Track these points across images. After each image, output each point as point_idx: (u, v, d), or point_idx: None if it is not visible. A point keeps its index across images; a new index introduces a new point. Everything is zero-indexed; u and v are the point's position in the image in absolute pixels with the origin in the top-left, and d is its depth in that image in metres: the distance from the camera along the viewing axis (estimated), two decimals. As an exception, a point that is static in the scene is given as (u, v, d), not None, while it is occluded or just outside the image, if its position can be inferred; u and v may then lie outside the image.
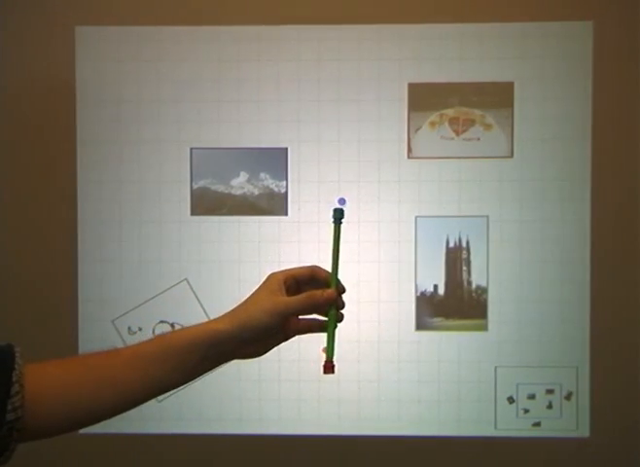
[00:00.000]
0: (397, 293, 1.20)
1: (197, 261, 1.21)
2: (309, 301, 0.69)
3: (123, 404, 0.64)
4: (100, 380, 0.63)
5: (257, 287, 0.70)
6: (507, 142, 1.19)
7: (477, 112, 1.19)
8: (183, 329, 0.67)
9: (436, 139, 1.19)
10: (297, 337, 0.72)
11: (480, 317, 1.20)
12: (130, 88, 1.20)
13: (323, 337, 0.71)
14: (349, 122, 1.19)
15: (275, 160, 1.20)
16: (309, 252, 1.19)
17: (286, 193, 1.20)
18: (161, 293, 1.21)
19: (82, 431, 0.65)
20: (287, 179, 1.20)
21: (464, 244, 1.19)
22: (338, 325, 0.72)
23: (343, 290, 0.72)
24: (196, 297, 1.21)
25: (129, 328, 1.21)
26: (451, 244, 1.19)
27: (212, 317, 0.69)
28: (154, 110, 1.21)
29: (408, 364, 1.20)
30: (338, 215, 0.73)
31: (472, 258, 1.19)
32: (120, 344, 1.17)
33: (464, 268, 1.19)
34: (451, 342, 1.20)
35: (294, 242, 1.20)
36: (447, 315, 1.20)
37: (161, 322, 1.21)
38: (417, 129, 1.19)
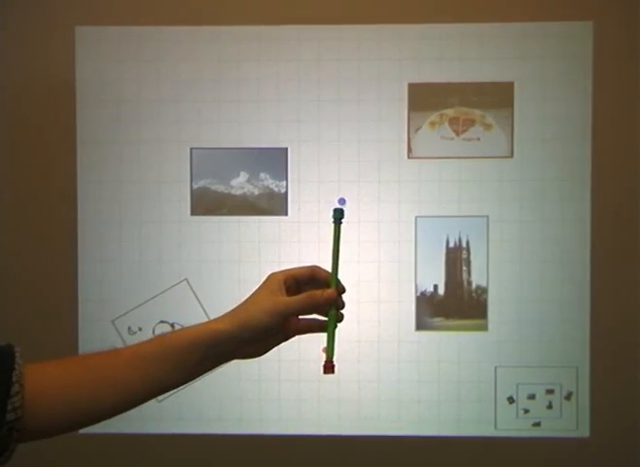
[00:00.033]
0: (397, 293, 1.20)
1: (197, 261, 1.21)
2: (309, 301, 0.69)
3: (123, 404, 0.64)
4: (100, 381, 0.63)
5: (257, 287, 0.70)
6: (507, 142, 1.19)
7: (477, 112, 1.19)
8: (183, 329, 0.67)
9: (436, 139, 1.19)
10: (297, 337, 0.72)
11: (480, 317, 1.20)
12: (130, 88, 1.20)
13: (323, 337, 0.71)
14: (349, 122, 1.19)
15: (275, 160, 1.20)
16: (309, 252, 1.19)
17: (286, 193, 1.20)
18: (161, 293, 1.21)
19: (82, 431, 0.65)
20: (287, 179, 1.20)
21: (464, 244, 1.19)
22: (338, 325, 0.72)
23: (343, 290, 0.72)
24: (196, 297, 1.21)
25: (129, 328, 1.21)
26: (451, 244, 1.19)
27: (212, 317, 0.69)
28: (154, 110, 1.21)
29: (408, 364, 1.20)
30: (339, 215, 0.73)
31: (472, 258, 1.19)
32: (120, 344, 1.17)
33: (464, 268, 1.19)
34: (451, 342, 1.20)
35: (294, 242, 1.20)
36: (447, 315, 1.20)
37: (161, 322, 1.21)
38: (417, 129, 1.19)
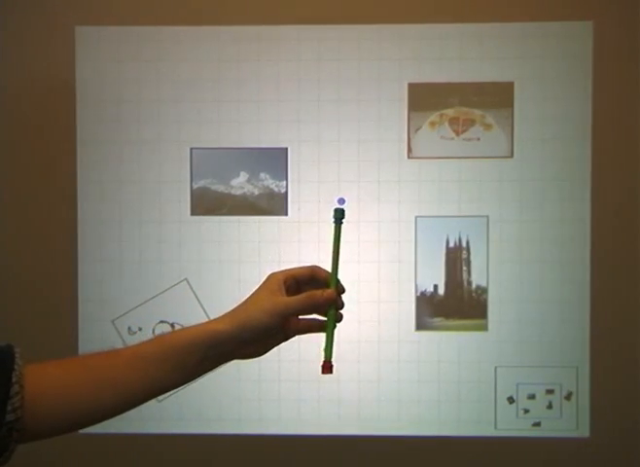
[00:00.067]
0: (397, 293, 1.20)
1: (197, 261, 1.21)
2: (309, 301, 0.69)
3: (123, 404, 0.64)
4: (100, 381, 0.63)
5: (257, 287, 0.70)
6: (507, 142, 1.19)
7: (477, 112, 1.19)
8: (183, 329, 0.67)
9: (436, 139, 1.19)
10: (297, 337, 0.72)
11: (480, 317, 1.20)
12: (130, 88, 1.20)
13: (323, 337, 0.71)
14: (349, 122, 1.19)
15: (275, 160, 1.20)
16: (309, 252, 1.19)
17: (286, 193, 1.20)
18: (161, 293, 1.21)
19: (82, 431, 0.65)
20: (287, 179, 1.20)
21: (464, 244, 1.19)
22: (338, 325, 0.72)
23: (343, 290, 0.72)
24: (196, 297, 1.21)
25: (129, 328, 1.21)
26: (451, 244, 1.19)
27: (212, 317, 0.69)
28: (154, 110, 1.21)
29: (408, 364, 1.20)
30: (339, 215, 0.73)
31: (472, 258, 1.19)
32: (120, 344, 1.17)
33: (464, 268, 1.19)
34: (451, 342, 1.20)
35: (294, 242, 1.20)
36: (447, 315, 1.20)
37: (161, 322, 1.21)
38: (417, 129, 1.19)
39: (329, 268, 0.72)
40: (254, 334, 0.66)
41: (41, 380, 0.61)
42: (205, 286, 1.21)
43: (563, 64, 1.17)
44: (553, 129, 1.18)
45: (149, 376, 0.64)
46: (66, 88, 1.20)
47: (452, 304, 1.20)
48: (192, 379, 0.67)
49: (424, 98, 1.19)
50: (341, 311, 0.72)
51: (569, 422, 1.20)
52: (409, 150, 1.19)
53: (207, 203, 1.21)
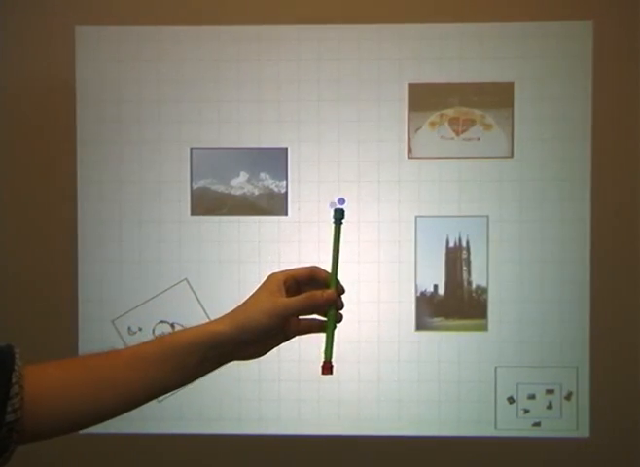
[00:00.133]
0: (397, 293, 1.20)
1: (197, 261, 1.21)
2: (309, 301, 0.69)
3: (123, 405, 0.64)
4: (100, 382, 0.63)
5: (257, 287, 0.70)
6: (507, 142, 1.19)
7: (477, 112, 1.19)
8: (183, 330, 0.67)
9: (436, 139, 1.19)
10: (297, 337, 0.72)
11: (480, 317, 1.20)
12: (130, 88, 1.20)
13: (323, 337, 0.71)
14: (349, 122, 1.19)
15: (275, 160, 1.20)
16: (309, 252, 1.19)
17: (286, 193, 1.20)
18: (161, 293, 1.21)
19: (82, 431, 0.65)
20: (287, 179, 1.20)
21: (464, 244, 1.19)
22: (338, 325, 0.72)
23: (343, 291, 0.72)
24: (196, 297, 1.21)
25: (129, 328, 1.21)
26: (451, 244, 1.19)
27: (212, 317, 0.69)
28: (154, 110, 1.20)
29: (408, 364, 1.20)
30: (339, 215, 0.73)
31: (472, 258, 1.19)
32: (120, 345, 1.17)
33: (464, 268, 1.19)
34: (451, 342, 1.20)
35: (294, 242, 1.20)
36: (447, 315, 1.20)
37: (161, 322, 1.21)
38: (417, 129, 1.19)
39: (329, 268, 0.72)
40: (254, 335, 0.66)
41: (41, 381, 0.61)
42: (205, 286, 1.21)
43: (563, 64, 1.17)
44: (553, 129, 1.18)
45: (149, 376, 0.64)
46: (66, 88, 1.20)
47: (452, 304, 1.20)
48: (192, 380, 0.67)
49: (424, 98, 1.19)
50: (341, 312, 0.72)
51: (569, 422, 1.20)
52: (409, 150, 1.19)
53: (207, 203, 1.21)
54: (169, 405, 1.18)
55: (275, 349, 0.70)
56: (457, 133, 1.19)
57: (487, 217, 1.19)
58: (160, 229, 1.21)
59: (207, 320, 0.69)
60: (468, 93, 1.18)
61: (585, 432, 1.20)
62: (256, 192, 1.20)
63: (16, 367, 0.59)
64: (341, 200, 1.19)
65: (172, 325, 1.20)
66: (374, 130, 1.19)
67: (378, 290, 1.20)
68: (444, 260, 1.20)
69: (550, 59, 1.18)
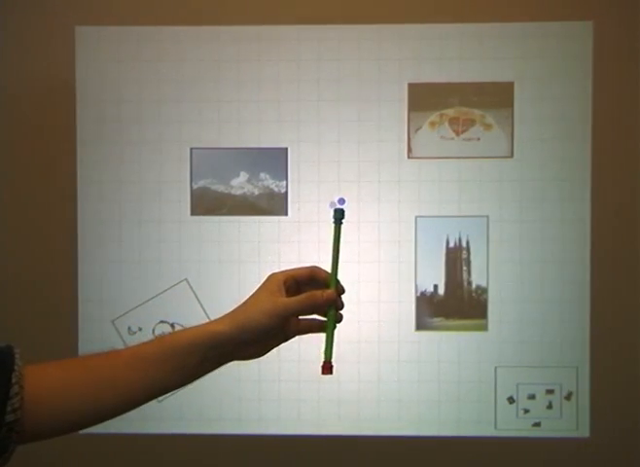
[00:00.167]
0: (397, 293, 1.20)
1: (197, 261, 1.21)
2: (309, 302, 0.69)
3: (123, 405, 0.64)
4: (100, 382, 0.63)
5: (257, 288, 0.70)
6: (507, 142, 1.19)
7: (477, 112, 1.19)
8: (183, 330, 0.67)
9: (436, 139, 1.19)
10: (297, 337, 0.72)
11: (480, 317, 1.20)
12: (130, 88, 1.20)
13: (323, 336, 0.71)
14: (349, 122, 1.19)
15: (275, 160, 1.20)
16: (309, 252, 1.19)
17: (286, 193, 1.20)
18: (161, 293, 1.21)
19: (82, 431, 0.65)
20: (287, 179, 1.20)
21: (464, 244, 1.19)
22: (338, 325, 0.71)
23: (343, 291, 0.72)
24: (196, 297, 1.21)
25: (129, 328, 1.21)
26: (451, 244, 1.19)
27: (212, 317, 0.69)
28: (154, 110, 1.20)
29: (408, 364, 1.20)
30: (339, 215, 0.73)
31: (472, 258, 1.19)
32: (120, 345, 1.17)
33: (464, 268, 1.19)
34: (451, 342, 1.20)
35: (294, 242, 1.20)
36: (447, 315, 1.20)
37: (161, 322, 1.21)
38: (417, 129, 1.19)
39: (329, 268, 0.72)
40: (253, 335, 0.66)
41: (41, 381, 0.61)
42: (205, 286, 1.21)
43: (563, 64, 1.17)
44: (553, 129, 1.18)
45: (149, 376, 0.64)
46: (66, 88, 1.20)
47: (452, 304, 1.20)
48: (192, 380, 0.67)
49: (424, 98, 1.19)
50: (341, 312, 0.72)
51: (569, 422, 1.20)
52: (409, 150, 1.19)
53: (207, 203, 1.21)
54: (169, 405, 1.18)
55: (275, 349, 0.70)
56: (457, 133, 1.19)
57: (487, 217, 1.19)
58: (159, 229, 1.21)
59: (207, 320, 0.69)
60: (468, 93, 1.18)
61: (585, 432, 1.20)
62: (256, 192, 1.20)
63: (16, 367, 0.59)
64: (341, 200, 1.19)
65: (172, 325, 1.20)
66: (374, 130, 1.19)
67: (378, 290, 1.20)
68: (444, 260, 1.20)
69: (550, 59, 1.18)
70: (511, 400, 1.20)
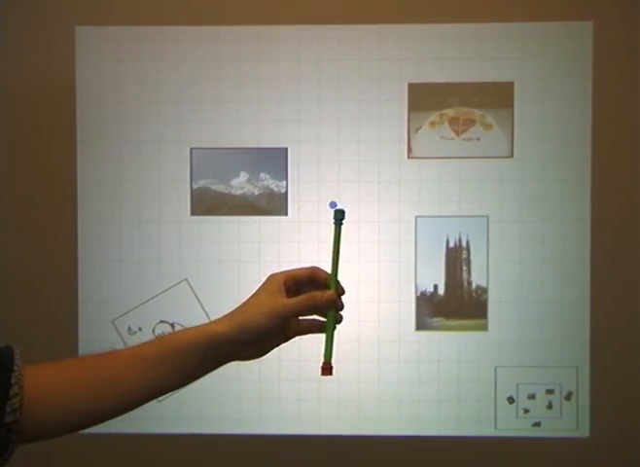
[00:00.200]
0: (397, 293, 1.20)
1: (197, 261, 1.21)
2: (308, 302, 0.69)
3: (122, 405, 0.64)
4: (100, 382, 0.63)
5: (257, 288, 0.70)
6: (507, 142, 1.19)
7: (477, 112, 1.19)
8: (182, 331, 0.67)
9: (436, 139, 1.19)
10: (297, 337, 0.72)
11: (480, 317, 1.20)
12: (130, 88, 1.20)
13: (324, 336, 0.71)
14: (349, 122, 1.19)
15: (275, 160, 1.20)
16: (309, 252, 1.19)
17: (286, 193, 1.20)
18: (161, 293, 1.21)
19: (82, 431, 0.65)
20: (287, 179, 1.20)
21: (464, 244, 1.19)
22: (338, 326, 0.71)
23: (343, 291, 0.72)
24: (196, 297, 1.21)
25: (129, 328, 1.21)
26: (451, 244, 1.19)
27: (212, 317, 0.69)
28: (154, 110, 1.20)
29: (408, 364, 1.20)
30: (339, 216, 0.73)
31: (472, 258, 1.19)
32: (120, 345, 1.17)
33: (464, 268, 1.19)
34: (451, 342, 1.20)
35: (294, 242, 1.20)
36: (447, 315, 1.20)
37: (161, 322, 1.21)
38: (417, 129, 1.19)
39: (329, 268, 0.72)
40: (253, 335, 0.66)
41: (40, 382, 0.61)
42: (205, 286, 1.21)
43: (563, 64, 1.17)
44: (553, 129, 1.18)
45: (148, 376, 0.64)
46: (66, 88, 1.20)
47: (452, 304, 1.20)
48: (191, 381, 0.67)
49: (424, 98, 1.19)
50: (341, 312, 0.72)
51: (569, 422, 1.20)
52: (409, 150, 1.19)
53: (207, 203, 1.21)
54: (169, 405, 1.18)
55: (275, 349, 0.70)
56: (457, 133, 1.19)
57: (487, 217, 1.19)
58: (160, 229, 1.21)
59: (207, 320, 0.69)
60: (468, 93, 1.18)
61: (585, 432, 1.20)
62: (256, 192, 1.20)
63: (15, 367, 0.59)
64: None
65: (172, 325, 1.20)
66: (374, 130, 1.19)
67: (378, 290, 1.20)
68: (444, 260, 1.20)
69: (550, 59, 1.17)
70: (511, 400, 1.20)
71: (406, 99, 1.19)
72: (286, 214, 1.20)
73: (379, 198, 1.19)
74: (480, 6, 1.17)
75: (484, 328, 1.20)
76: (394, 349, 1.20)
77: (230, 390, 1.21)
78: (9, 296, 1.20)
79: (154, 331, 1.21)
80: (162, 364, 0.64)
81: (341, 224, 0.73)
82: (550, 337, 1.19)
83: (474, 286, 1.20)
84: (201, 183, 1.21)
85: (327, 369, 0.71)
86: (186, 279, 1.21)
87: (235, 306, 0.69)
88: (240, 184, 1.20)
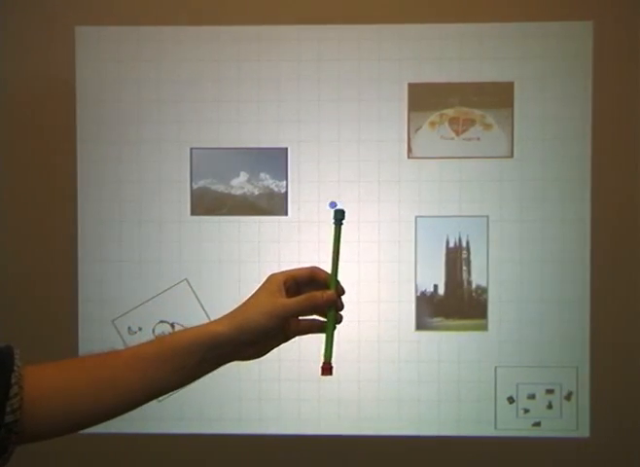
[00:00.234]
0: (397, 293, 1.20)
1: (197, 261, 1.21)
2: (308, 302, 0.69)
3: (122, 405, 0.64)
4: (100, 382, 0.63)
5: (257, 288, 0.70)
6: (507, 142, 1.19)
7: (477, 112, 1.19)
8: (182, 331, 0.67)
9: (436, 139, 1.19)
10: (297, 337, 0.72)
11: (480, 317, 1.20)
12: (130, 88, 1.20)
13: (324, 336, 0.71)
14: (349, 122, 1.19)
15: (275, 160, 1.20)
16: (309, 252, 1.19)
17: (286, 193, 1.20)
18: (161, 293, 1.21)
19: (82, 431, 0.65)
20: (287, 179, 1.20)
21: (464, 244, 1.19)
22: (338, 326, 0.71)
23: (343, 291, 0.72)
24: (196, 297, 1.21)
25: (129, 328, 1.21)
26: (451, 244, 1.19)
27: (212, 317, 0.69)
28: (154, 110, 1.20)
29: (408, 364, 1.20)
30: (339, 216, 0.73)
31: (472, 258, 1.19)
32: (120, 344, 1.17)
33: (464, 268, 1.19)
34: (451, 342, 1.20)
35: (294, 242, 1.20)
36: (447, 315, 1.20)
37: (161, 322, 1.21)
38: (417, 129, 1.19)
39: (329, 268, 0.72)
40: (253, 335, 0.66)
41: (40, 382, 0.61)
42: (205, 286, 1.21)
43: (563, 64, 1.17)
44: (554, 129, 1.18)
45: (148, 377, 0.64)
46: (66, 88, 1.20)
47: (452, 303, 1.20)
48: (191, 381, 0.67)
49: (424, 98, 1.19)
50: (341, 312, 0.72)
51: (569, 422, 1.20)
52: (409, 150, 1.19)
53: (207, 203, 1.21)
54: (169, 405, 1.17)
55: (275, 349, 0.70)
56: (457, 133, 1.19)
57: (487, 217, 1.19)
58: (160, 229, 1.21)
59: (207, 320, 0.69)
60: (468, 93, 1.18)
61: (585, 432, 1.20)
62: (256, 192, 1.20)
63: (15, 367, 0.59)
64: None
65: (172, 325, 1.20)
66: (374, 130, 1.19)
67: (378, 290, 1.20)
68: (444, 260, 1.20)
69: (550, 59, 1.17)
70: (511, 400, 1.20)
71: (406, 99, 1.19)
72: (286, 214, 1.20)
73: (379, 198, 1.19)
74: (480, 6, 1.17)
75: (484, 328, 1.20)
76: (394, 349, 1.20)
77: (230, 390, 1.21)
78: (9, 296, 1.21)
79: (154, 331, 1.21)
80: (162, 364, 0.64)
81: (341, 224, 0.73)
82: (550, 337, 1.19)
83: (474, 286, 1.20)
84: (201, 183, 1.21)
85: (327, 369, 0.71)
86: (186, 279, 1.21)
87: (235, 306, 0.69)
88: (240, 184, 1.20)
